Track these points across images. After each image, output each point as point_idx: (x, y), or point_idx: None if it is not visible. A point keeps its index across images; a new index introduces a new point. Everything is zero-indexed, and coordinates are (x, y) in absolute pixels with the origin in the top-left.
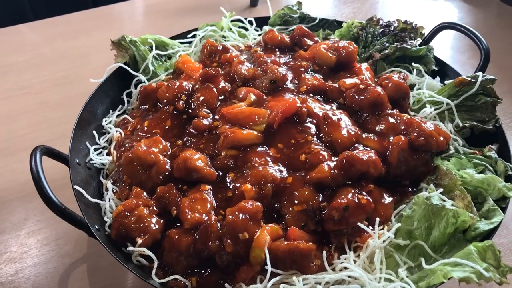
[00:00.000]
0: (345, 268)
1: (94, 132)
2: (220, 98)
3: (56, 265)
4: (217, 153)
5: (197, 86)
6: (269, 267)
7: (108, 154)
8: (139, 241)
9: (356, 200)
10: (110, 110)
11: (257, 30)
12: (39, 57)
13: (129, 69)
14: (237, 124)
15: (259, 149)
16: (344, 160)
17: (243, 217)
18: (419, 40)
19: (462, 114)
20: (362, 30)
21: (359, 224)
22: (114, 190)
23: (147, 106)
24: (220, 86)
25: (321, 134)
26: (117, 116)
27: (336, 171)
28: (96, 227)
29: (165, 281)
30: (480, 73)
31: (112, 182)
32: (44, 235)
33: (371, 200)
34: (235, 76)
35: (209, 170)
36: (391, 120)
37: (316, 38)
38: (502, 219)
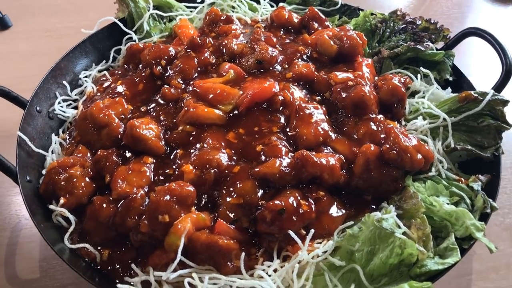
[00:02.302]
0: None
1: (65, 82)
2: (200, 69)
3: (12, 214)
4: (175, 126)
5: (182, 53)
6: (178, 256)
7: (77, 108)
8: (61, 200)
9: (295, 205)
10: (93, 64)
11: (272, 6)
12: (71, 3)
13: (121, 25)
14: (205, 99)
15: (217, 130)
16: (297, 160)
17: (169, 198)
18: (441, 44)
19: (460, 134)
20: (382, 23)
21: (290, 232)
22: (64, 145)
23: (130, 66)
24: (202, 57)
25: (287, 128)
26: (99, 71)
27: (287, 169)
28: (28, 178)
29: (75, 248)
30: (490, 91)
31: (68, 136)
32: (7, 178)
33: (313, 208)
34: (224, 49)
35: (156, 142)
36: (372, 126)
37: (327, 23)
38: (457, 262)
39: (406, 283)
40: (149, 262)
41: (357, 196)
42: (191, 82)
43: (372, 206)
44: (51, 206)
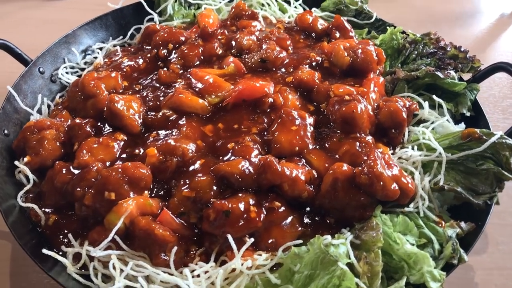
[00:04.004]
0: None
1: (77, 50)
2: (203, 58)
3: None
4: (159, 109)
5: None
6: (111, 235)
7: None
8: (26, 159)
9: (243, 210)
10: (111, 38)
11: (305, 10)
12: None
13: (145, 4)
14: (195, 88)
15: (197, 120)
16: (260, 164)
17: (120, 177)
18: (469, 76)
19: (456, 174)
20: (411, 44)
21: (228, 236)
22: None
23: (144, 46)
24: (207, 47)
25: (265, 132)
26: (114, 45)
27: (249, 172)
28: (6, 132)
29: (25, 206)
30: (498, 133)
31: (61, 101)
32: None
33: (262, 217)
34: (234, 43)
35: (132, 120)
36: (356, 146)
37: (352, 34)
38: None
39: None
40: (88, 237)
41: (320, 217)
42: (189, 70)
43: (334, 230)
44: (16, 162)
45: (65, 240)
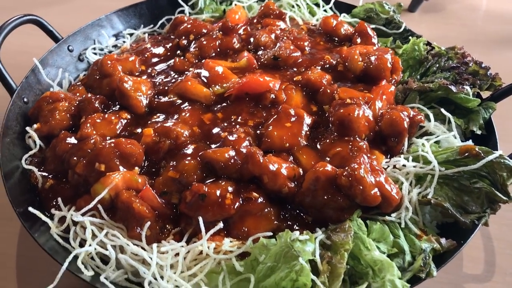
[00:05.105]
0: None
1: (108, 33)
2: (219, 50)
3: None
4: (166, 94)
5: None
6: (93, 203)
7: None
8: (35, 125)
9: (218, 195)
10: (142, 26)
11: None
12: None
13: None
14: (204, 77)
15: (198, 108)
16: (245, 154)
17: (111, 151)
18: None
19: (449, 189)
20: (434, 56)
21: (199, 219)
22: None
23: (172, 35)
24: (225, 40)
25: (261, 126)
26: (144, 33)
27: (233, 161)
28: (26, 99)
29: (26, 167)
30: (497, 152)
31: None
32: None
33: (236, 205)
34: (252, 39)
35: (138, 101)
36: (347, 149)
37: (374, 41)
38: None
39: None
40: (76, 204)
41: (299, 214)
42: (203, 60)
43: (307, 228)
44: (27, 128)
45: (57, 204)
